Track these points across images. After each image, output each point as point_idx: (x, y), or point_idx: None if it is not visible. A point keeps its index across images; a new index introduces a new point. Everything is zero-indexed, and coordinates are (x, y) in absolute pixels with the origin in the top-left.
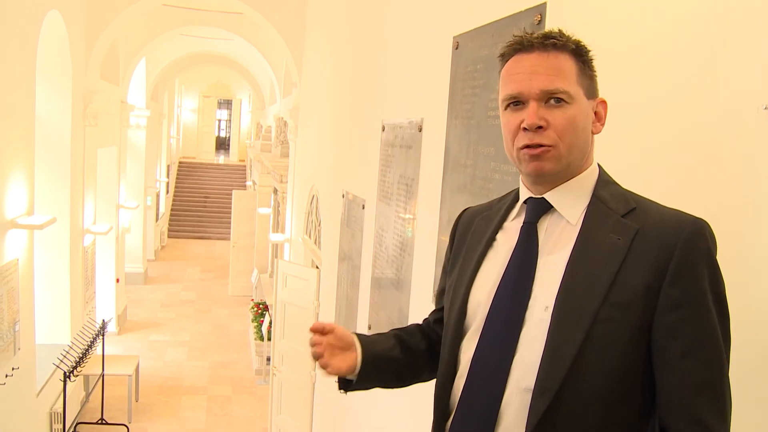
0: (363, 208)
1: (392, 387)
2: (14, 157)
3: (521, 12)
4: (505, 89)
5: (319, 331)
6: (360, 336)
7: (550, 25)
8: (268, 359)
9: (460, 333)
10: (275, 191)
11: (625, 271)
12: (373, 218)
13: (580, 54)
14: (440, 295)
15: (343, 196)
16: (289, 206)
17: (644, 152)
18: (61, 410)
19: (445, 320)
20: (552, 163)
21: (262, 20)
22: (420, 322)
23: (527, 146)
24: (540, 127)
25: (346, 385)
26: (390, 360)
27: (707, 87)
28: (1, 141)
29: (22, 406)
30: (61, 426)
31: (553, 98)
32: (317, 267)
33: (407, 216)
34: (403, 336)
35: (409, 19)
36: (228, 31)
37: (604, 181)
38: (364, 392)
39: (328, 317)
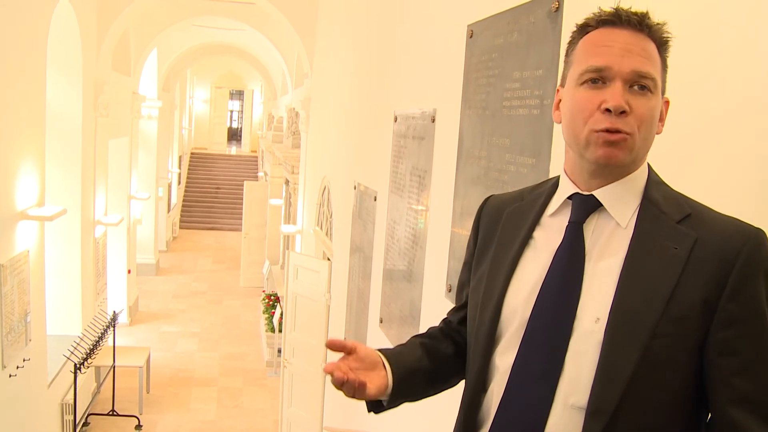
0: (375, 199)
1: (423, 398)
2: (25, 148)
3: None
4: (587, 60)
5: (339, 348)
6: (385, 352)
7: (569, 13)
8: (279, 351)
9: (492, 340)
10: (287, 182)
11: (684, 285)
12: (385, 210)
13: (663, 47)
14: (460, 290)
15: (354, 188)
16: (301, 197)
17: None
18: (72, 401)
19: (470, 324)
20: (625, 153)
21: (273, 10)
22: (439, 323)
23: (607, 130)
24: (623, 112)
25: (376, 406)
26: (420, 372)
27: (747, 72)
28: (12, 132)
29: (34, 397)
30: (72, 417)
31: (638, 84)
32: (329, 259)
33: (420, 208)
34: (428, 343)
35: (422, 7)
36: (240, 21)
37: (654, 181)
38: None
39: (339, 310)
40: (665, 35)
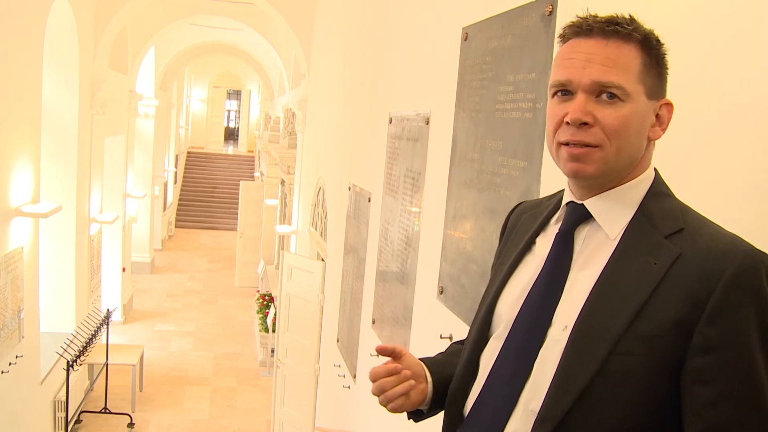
0: (369, 201)
1: None
2: (20, 144)
3: (532, 2)
4: (555, 74)
5: (388, 354)
6: (427, 362)
7: (562, 18)
8: (273, 351)
9: (483, 337)
10: (282, 182)
11: (656, 301)
12: (379, 211)
13: (649, 47)
14: None
15: (349, 189)
16: (296, 198)
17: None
18: (64, 399)
19: (474, 318)
20: (595, 166)
21: (271, 10)
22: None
23: (568, 143)
24: (585, 124)
25: (416, 415)
26: None
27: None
28: (7, 128)
29: (26, 394)
30: (64, 414)
31: (605, 93)
32: (323, 259)
33: (413, 210)
34: None
35: (418, 10)
36: (238, 21)
37: (656, 192)
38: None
39: (332, 310)
40: (643, 35)
